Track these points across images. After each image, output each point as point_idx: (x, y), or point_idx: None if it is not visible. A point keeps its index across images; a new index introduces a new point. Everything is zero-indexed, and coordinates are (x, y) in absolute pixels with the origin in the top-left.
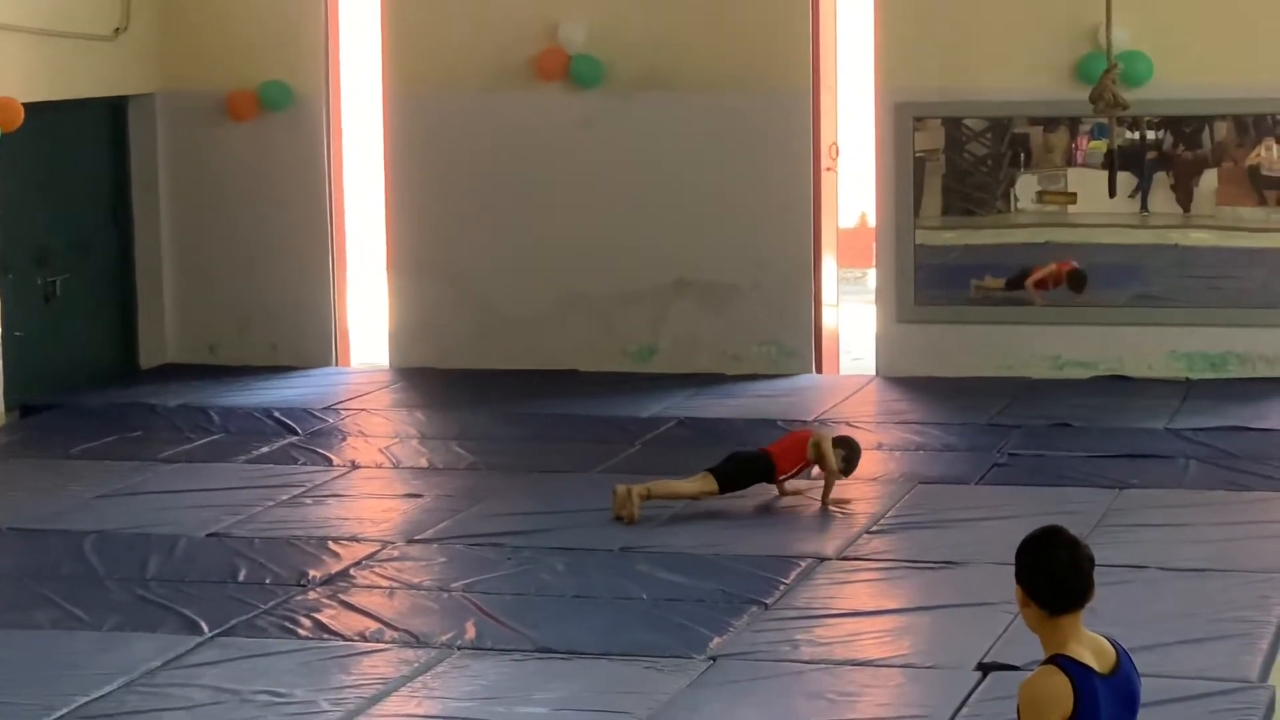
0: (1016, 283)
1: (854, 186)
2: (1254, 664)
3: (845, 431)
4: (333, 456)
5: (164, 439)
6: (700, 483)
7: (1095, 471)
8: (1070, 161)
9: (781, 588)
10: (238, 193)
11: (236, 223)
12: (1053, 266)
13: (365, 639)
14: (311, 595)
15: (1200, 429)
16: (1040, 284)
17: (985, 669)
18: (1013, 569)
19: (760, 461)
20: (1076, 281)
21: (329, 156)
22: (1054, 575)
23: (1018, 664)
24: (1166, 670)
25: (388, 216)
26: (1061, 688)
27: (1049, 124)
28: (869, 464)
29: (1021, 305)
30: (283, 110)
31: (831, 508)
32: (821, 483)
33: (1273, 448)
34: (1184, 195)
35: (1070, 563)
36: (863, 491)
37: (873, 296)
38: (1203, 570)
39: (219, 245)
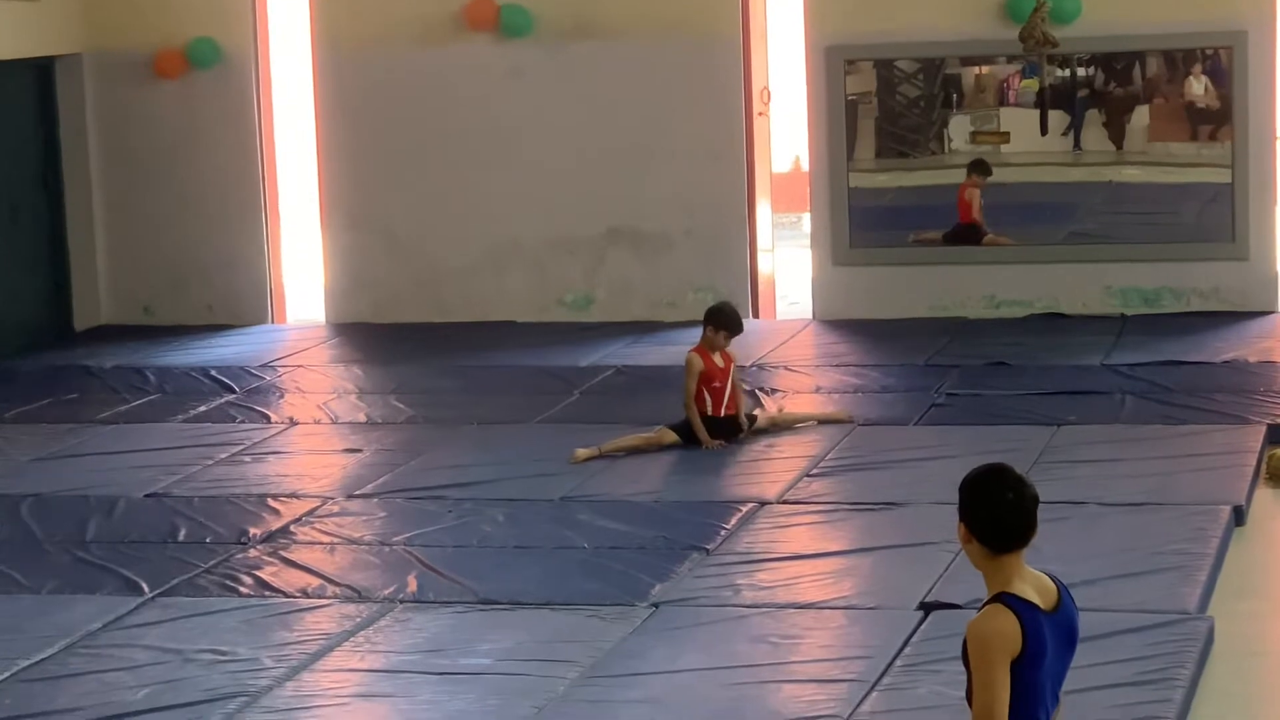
0: (959, 237)
1: (787, 131)
2: (1192, 596)
3: (781, 375)
4: (271, 414)
5: (100, 400)
6: (657, 436)
7: (1032, 409)
8: (1002, 101)
9: (723, 533)
10: (168, 151)
11: (168, 182)
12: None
13: (307, 595)
14: (252, 553)
15: (1136, 364)
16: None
17: (927, 608)
18: (953, 508)
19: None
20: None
21: (259, 113)
22: (1000, 514)
23: (960, 602)
24: (1106, 604)
25: (320, 172)
26: (1010, 626)
27: (980, 63)
28: (808, 407)
29: (956, 245)
30: (211, 68)
31: (707, 447)
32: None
33: (1206, 381)
34: (1116, 132)
35: (1016, 502)
36: (802, 435)
37: (808, 241)
38: (1141, 504)
39: (151, 205)
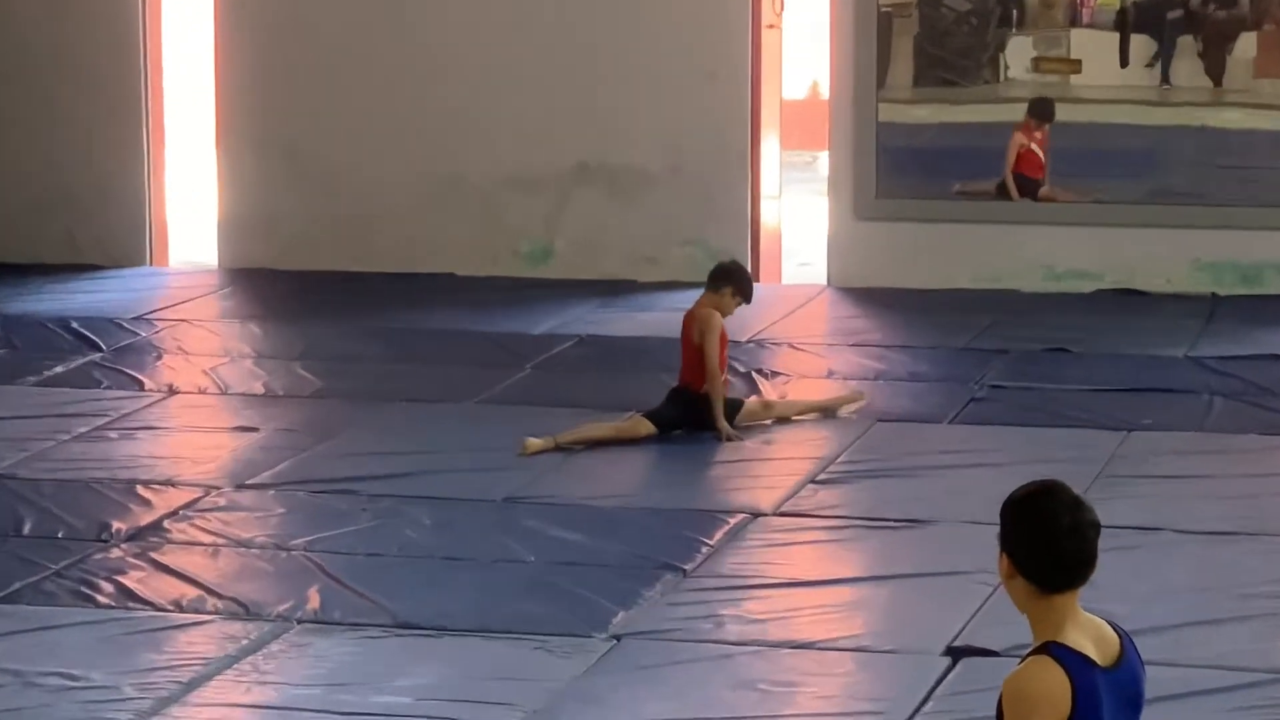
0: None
1: (802, 48)
2: None
3: (785, 354)
4: (145, 379)
5: None
6: (629, 426)
7: (1097, 409)
8: (1074, 20)
9: (704, 550)
10: (27, 52)
11: (26, 88)
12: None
13: (181, 608)
14: (115, 553)
15: (1228, 357)
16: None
17: (956, 654)
18: (993, 532)
19: (693, 398)
20: None
21: (144, 12)
22: (1052, 545)
23: (996, 649)
24: (1179, 658)
25: (217, 81)
26: (1058, 684)
27: None
28: (816, 395)
29: (1008, 201)
30: None
31: (725, 438)
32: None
33: None
34: (1214, 65)
35: (1072, 530)
36: (805, 429)
37: (824, 187)
38: (1227, 534)
39: (4, 114)
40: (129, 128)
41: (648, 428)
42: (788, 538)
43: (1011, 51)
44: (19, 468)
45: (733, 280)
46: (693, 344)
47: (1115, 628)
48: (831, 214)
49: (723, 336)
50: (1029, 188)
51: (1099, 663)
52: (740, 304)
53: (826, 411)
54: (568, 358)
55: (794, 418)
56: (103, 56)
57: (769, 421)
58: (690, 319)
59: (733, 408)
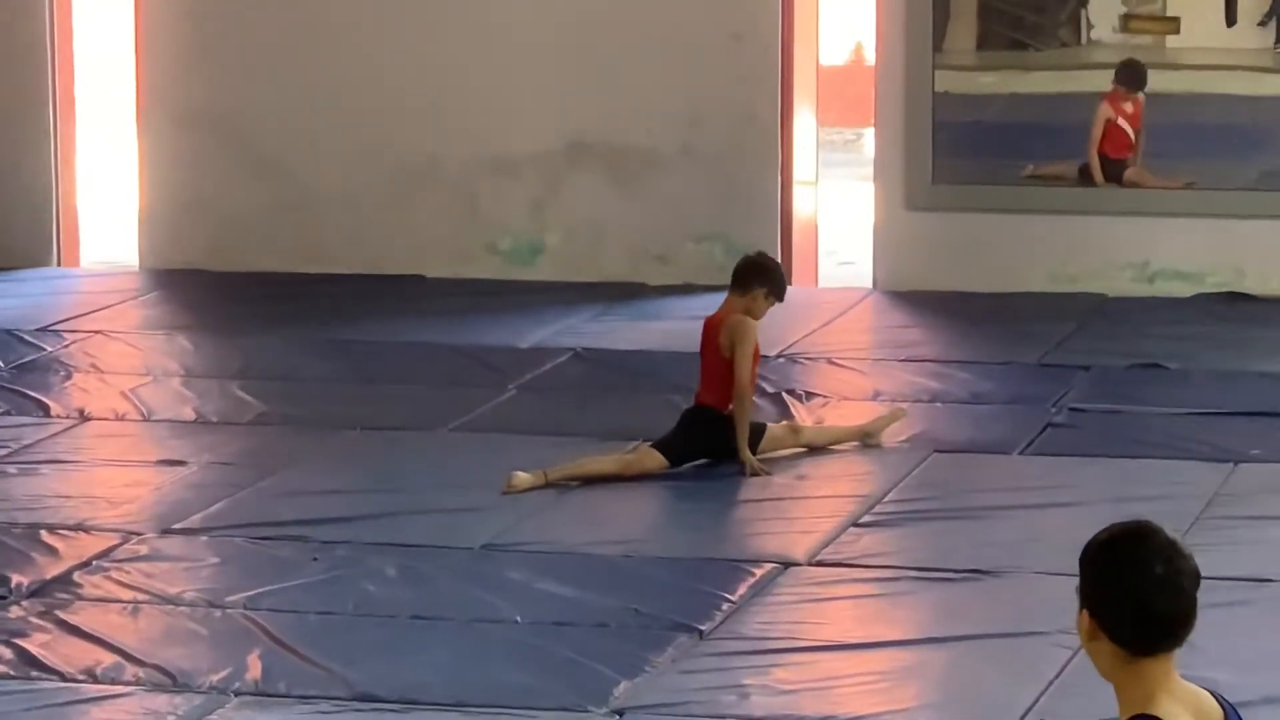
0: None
1: (844, 5)
2: None
3: (823, 371)
4: (51, 402)
5: None
6: (636, 459)
7: (1200, 436)
8: None
9: (725, 607)
10: None
11: None
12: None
13: (95, 678)
14: (15, 612)
15: None
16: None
17: None
18: (1072, 585)
19: (716, 420)
20: None
21: None
22: (1142, 599)
23: None
24: None
25: (138, 52)
26: None
27: None
28: (858, 419)
29: (1092, 187)
30: None
31: (750, 471)
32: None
33: None
34: None
35: (1166, 581)
36: (844, 461)
37: (869, 171)
38: None
39: None
40: (32, 104)
41: (657, 460)
42: (825, 592)
43: (1095, 8)
44: None
45: (764, 277)
46: (718, 355)
47: (1219, 699)
48: (878, 203)
49: (756, 348)
50: (1114, 170)
51: None
52: (774, 304)
53: (865, 439)
54: (560, 376)
55: (828, 447)
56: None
57: (794, 450)
58: (714, 325)
59: (755, 433)
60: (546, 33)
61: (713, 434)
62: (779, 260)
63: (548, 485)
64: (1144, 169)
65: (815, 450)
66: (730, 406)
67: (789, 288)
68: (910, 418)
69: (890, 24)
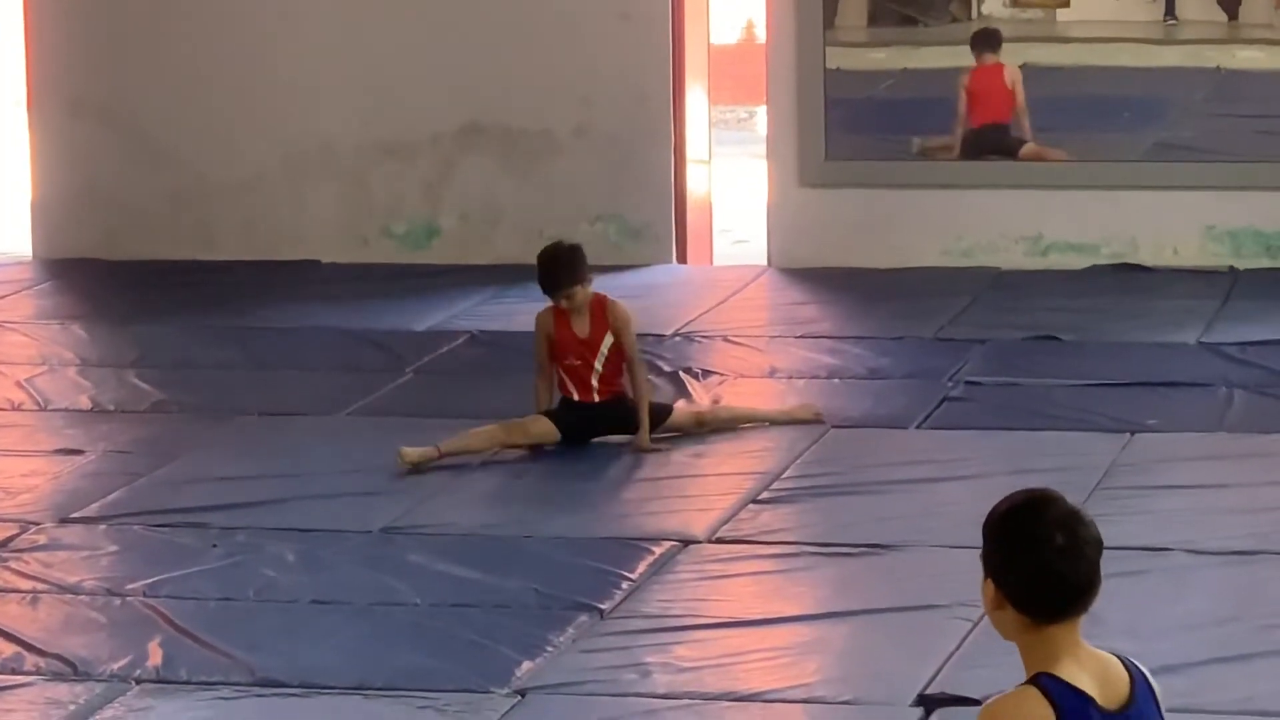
0: (982, 145)
1: None
2: None
3: (719, 349)
4: None
5: None
6: (524, 424)
7: (1095, 407)
8: None
9: (625, 585)
10: None
11: None
12: None
13: None
14: None
15: (1249, 343)
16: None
17: (928, 704)
18: (974, 554)
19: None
20: None
21: None
22: (1044, 567)
23: (977, 697)
24: (1197, 701)
25: (27, 35)
26: (1041, 718)
27: None
28: (759, 400)
29: (979, 160)
30: None
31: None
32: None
33: None
34: None
35: (1068, 548)
36: (746, 440)
37: (763, 149)
38: (1250, 553)
39: None
40: None
41: (547, 426)
42: (725, 569)
43: None
44: None
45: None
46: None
47: (1128, 665)
48: (772, 181)
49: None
50: (994, 137)
51: (1099, 702)
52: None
53: (774, 422)
54: (457, 359)
55: (737, 427)
56: None
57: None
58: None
59: (660, 414)
60: (436, 12)
61: (610, 413)
62: (673, 239)
63: (440, 458)
64: (1038, 144)
65: (716, 430)
66: (622, 382)
67: (684, 265)
68: (805, 396)
69: (781, 1)
